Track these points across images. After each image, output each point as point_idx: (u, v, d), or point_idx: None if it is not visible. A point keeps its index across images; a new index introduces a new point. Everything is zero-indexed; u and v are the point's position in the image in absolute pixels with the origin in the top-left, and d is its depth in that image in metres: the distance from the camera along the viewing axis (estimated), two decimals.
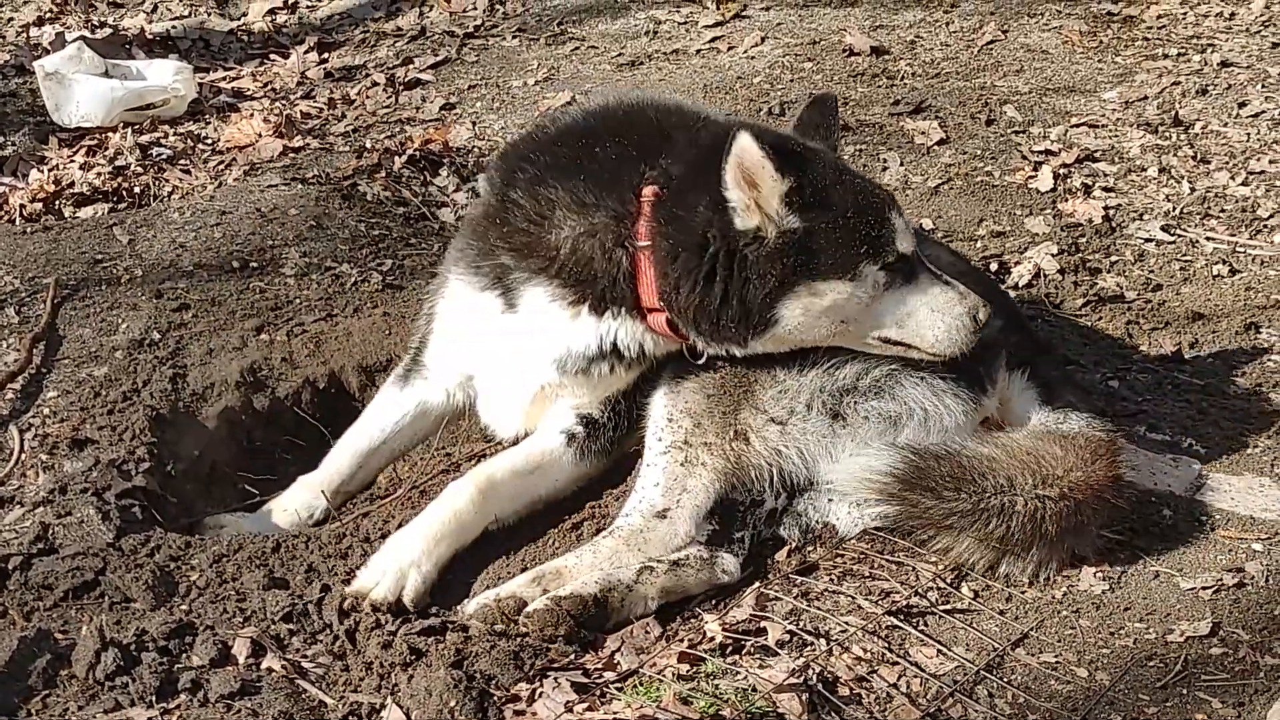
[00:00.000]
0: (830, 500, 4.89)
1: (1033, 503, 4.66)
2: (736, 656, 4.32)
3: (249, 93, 8.86)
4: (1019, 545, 4.69)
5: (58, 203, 7.29)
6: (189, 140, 8.08)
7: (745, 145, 4.52)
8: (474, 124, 8.26)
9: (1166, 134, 7.70)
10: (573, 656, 4.35)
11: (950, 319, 4.76)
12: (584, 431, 5.14)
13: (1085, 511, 4.74)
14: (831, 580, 4.68)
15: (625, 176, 4.79)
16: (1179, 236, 6.80)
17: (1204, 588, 4.67)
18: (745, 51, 8.97)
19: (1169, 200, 7.09)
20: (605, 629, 4.50)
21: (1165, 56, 8.70)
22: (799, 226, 4.61)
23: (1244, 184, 7.19)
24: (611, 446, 5.19)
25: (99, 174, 7.55)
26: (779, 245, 4.60)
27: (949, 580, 4.70)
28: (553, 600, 4.44)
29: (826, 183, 4.70)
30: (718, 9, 9.60)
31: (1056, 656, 4.39)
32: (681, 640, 4.39)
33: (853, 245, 4.65)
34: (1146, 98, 8.12)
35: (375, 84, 8.87)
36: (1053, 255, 6.61)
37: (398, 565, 4.67)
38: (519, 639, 4.38)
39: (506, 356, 5.14)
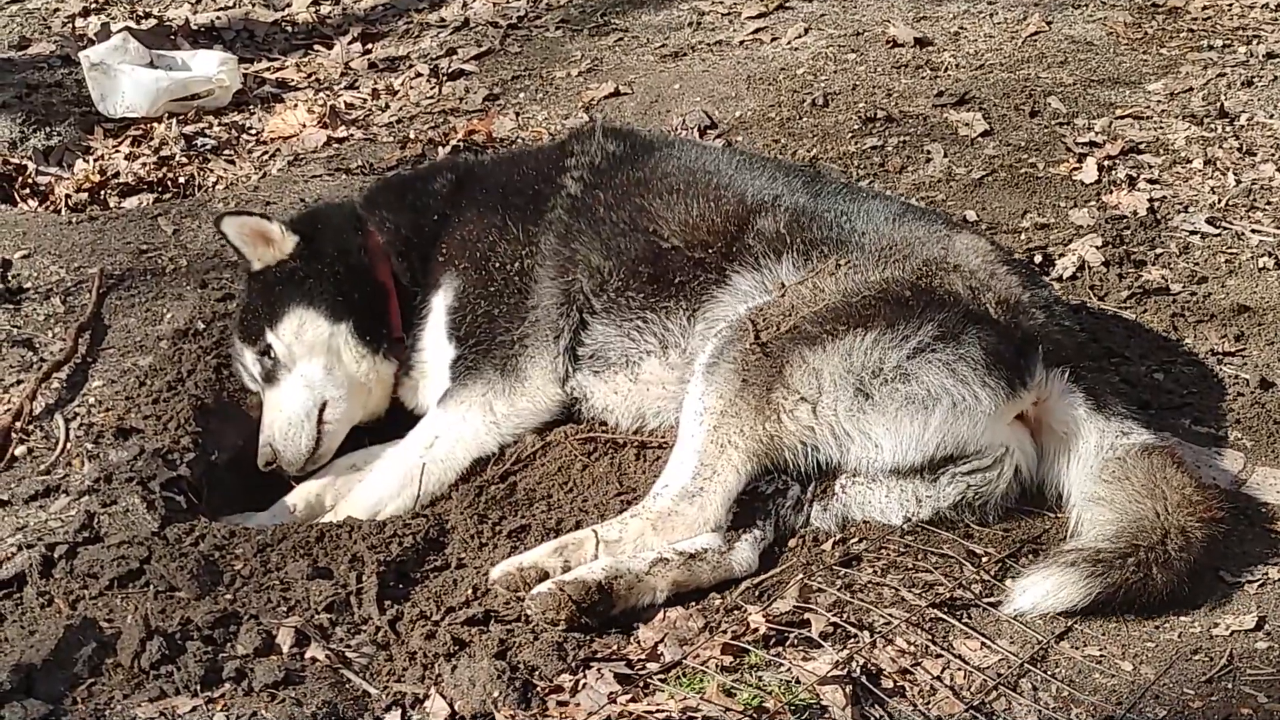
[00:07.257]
0: (867, 488, 4.90)
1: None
2: (780, 648, 4.32)
3: (293, 83, 8.90)
4: None
5: (103, 193, 7.35)
6: (233, 131, 8.13)
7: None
8: (517, 114, 8.26)
9: (1212, 126, 7.65)
10: (616, 647, 4.36)
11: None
12: None
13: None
14: (875, 572, 4.67)
15: None
16: (1224, 229, 6.75)
17: (1249, 581, 4.65)
18: (789, 43, 8.94)
19: (1214, 193, 7.03)
20: (610, 617, 4.50)
21: (1210, 48, 8.64)
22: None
23: None
24: None
25: (144, 164, 7.61)
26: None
27: (992, 573, 4.68)
28: (557, 585, 4.46)
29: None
30: (761, 0, 9.58)
31: (1101, 650, 4.37)
32: (725, 632, 4.38)
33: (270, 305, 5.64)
34: (1191, 89, 8.06)
35: (419, 75, 8.88)
36: (1097, 248, 6.56)
37: None
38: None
39: None
